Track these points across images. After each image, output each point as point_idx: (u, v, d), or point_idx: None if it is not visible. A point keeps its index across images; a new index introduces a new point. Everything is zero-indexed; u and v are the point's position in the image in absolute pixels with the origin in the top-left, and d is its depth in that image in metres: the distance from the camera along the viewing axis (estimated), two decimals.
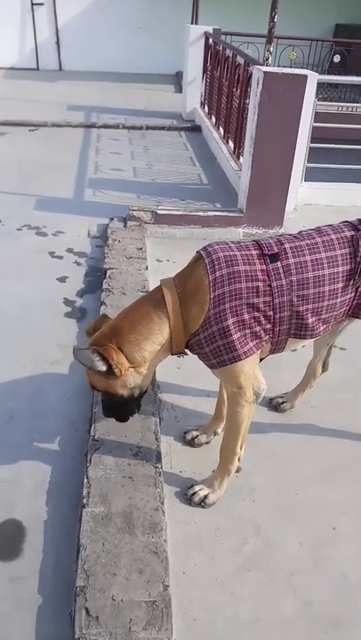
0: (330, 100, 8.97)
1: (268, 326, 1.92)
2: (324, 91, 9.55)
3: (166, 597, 1.77)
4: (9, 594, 1.87)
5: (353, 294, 2.00)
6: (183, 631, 1.76)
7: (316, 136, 5.00)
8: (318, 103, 5.40)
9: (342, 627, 1.80)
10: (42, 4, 11.34)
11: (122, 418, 2.18)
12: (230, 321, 1.86)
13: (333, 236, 1.98)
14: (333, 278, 1.94)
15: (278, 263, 1.90)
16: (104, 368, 1.91)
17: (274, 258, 1.90)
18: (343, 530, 2.12)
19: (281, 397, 2.71)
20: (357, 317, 2.11)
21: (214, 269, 1.87)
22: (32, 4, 11.31)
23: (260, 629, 1.78)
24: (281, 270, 1.90)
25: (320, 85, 9.22)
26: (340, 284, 1.95)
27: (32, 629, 1.78)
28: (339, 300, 1.97)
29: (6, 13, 11.22)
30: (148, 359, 1.96)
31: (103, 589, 1.78)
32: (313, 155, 5.08)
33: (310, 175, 5.18)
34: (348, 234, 1.99)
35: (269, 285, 1.88)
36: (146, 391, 2.11)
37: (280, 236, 2.02)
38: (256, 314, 1.88)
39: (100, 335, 2.00)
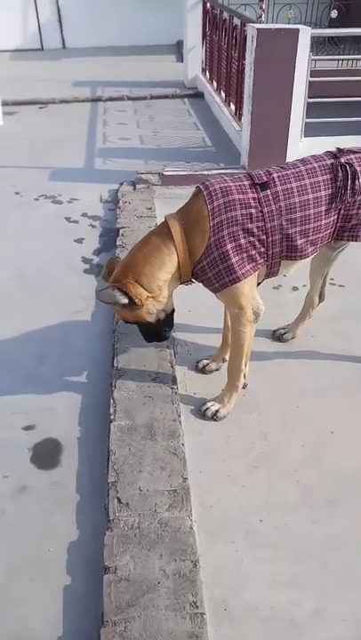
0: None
1: (263, 250, 2.17)
2: (325, 48, 9.58)
3: (185, 487, 2.08)
4: (51, 495, 2.20)
5: (336, 217, 2.25)
6: (201, 516, 2.06)
7: (318, 93, 5.13)
8: (317, 58, 5.53)
9: (337, 507, 2.09)
10: None
11: (160, 338, 2.45)
12: (229, 246, 2.12)
13: (315, 164, 2.22)
14: (317, 202, 2.18)
15: (268, 191, 2.14)
16: (126, 301, 2.17)
17: (264, 186, 2.15)
18: (339, 433, 2.41)
19: (283, 329, 2.97)
20: (342, 239, 2.36)
21: (212, 199, 2.12)
22: None
23: (268, 511, 2.08)
24: (270, 197, 2.14)
25: (321, 43, 9.32)
26: (324, 207, 2.20)
27: (73, 520, 2.10)
28: (323, 222, 2.22)
29: None
30: (164, 287, 2.22)
31: (131, 483, 2.09)
32: (316, 111, 5.22)
33: (312, 131, 5.33)
34: (328, 162, 2.23)
35: (261, 211, 2.13)
36: (173, 312, 2.38)
37: (269, 167, 2.26)
38: (251, 238, 2.14)
39: (116, 274, 2.25)
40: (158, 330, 2.38)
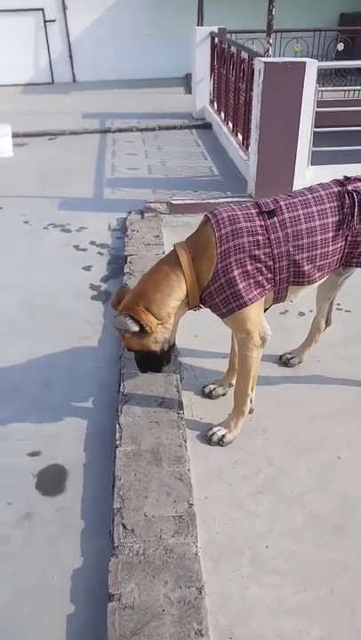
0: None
1: (270, 275, 2.20)
2: (332, 80, 9.75)
3: (191, 513, 2.06)
4: (56, 520, 2.19)
5: (343, 243, 2.27)
6: (207, 542, 2.04)
7: (325, 123, 5.22)
8: (324, 89, 5.63)
9: (344, 533, 2.06)
10: (54, 21, 11.81)
11: (157, 369, 2.48)
12: (236, 272, 2.14)
13: (323, 192, 2.26)
14: (324, 229, 2.21)
15: (275, 218, 2.18)
16: (137, 328, 2.21)
17: (271, 214, 2.19)
18: (346, 458, 2.39)
19: (290, 354, 2.98)
20: (350, 266, 2.38)
21: (220, 227, 2.16)
22: (44, 22, 11.79)
23: (274, 537, 2.05)
24: (278, 224, 2.18)
25: (328, 74, 9.50)
26: (331, 234, 2.23)
27: (78, 546, 2.09)
28: (331, 248, 2.24)
29: (21, 33, 11.74)
30: (172, 314, 2.26)
31: (137, 509, 2.08)
32: (323, 140, 5.31)
33: (319, 159, 5.40)
34: (335, 189, 2.27)
35: (268, 238, 2.16)
36: (173, 344, 2.42)
37: (276, 195, 2.30)
38: (258, 265, 2.16)
39: (127, 302, 2.29)
40: (159, 360, 2.42)
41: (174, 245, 2.29)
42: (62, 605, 1.88)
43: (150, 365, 2.46)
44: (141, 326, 2.20)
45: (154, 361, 2.41)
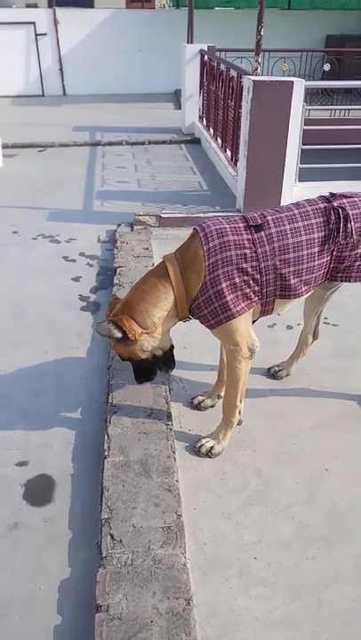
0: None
1: (257, 288, 2.23)
2: (319, 99, 9.93)
3: (180, 524, 2.06)
4: (44, 531, 2.17)
5: (329, 258, 2.31)
6: (195, 553, 2.04)
7: (312, 140, 5.32)
8: (311, 108, 5.73)
9: (332, 544, 2.08)
10: (45, 35, 11.88)
11: (150, 378, 2.49)
12: (224, 284, 2.17)
13: (309, 208, 2.30)
14: (310, 243, 2.25)
15: (262, 233, 2.22)
16: (120, 335, 2.24)
17: (258, 228, 2.23)
18: (334, 469, 2.41)
19: (278, 366, 3.00)
20: (336, 280, 2.41)
21: (208, 241, 2.19)
22: (36, 35, 11.85)
23: (263, 548, 2.06)
24: (265, 238, 2.21)
25: (315, 94, 9.68)
26: (317, 249, 2.26)
27: (65, 557, 2.07)
28: (317, 262, 2.28)
29: (12, 45, 11.77)
30: (159, 324, 2.28)
31: (125, 519, 2.07)
32: (311, 157, 5.40)
33: (307, 176, 5.49)
34: (321, 205, 2.31)
35: (255, 252, 2.19)
36: (169, 351, 2.43)
37: (263, 210, 2.33)
38: (245, 277, 2.19)
39: (115, 310, 2.33)
40: (151, 368, 2.44)
41: (163, 257, 2.32)
42: (49, 616, 1.87)
43: (144, 374, 2.47)
44: (125, 333, 2.23)
45: (147, 369, 2.44)
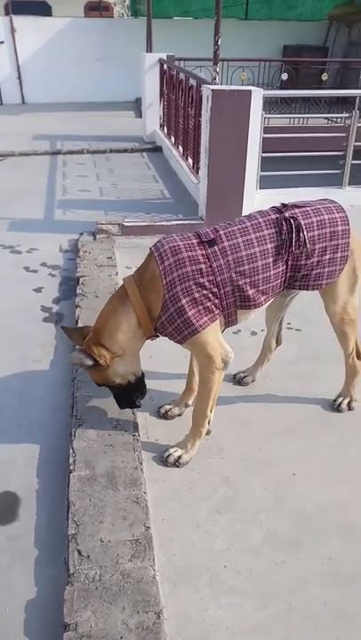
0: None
1: (217, 301, 2.24)
2: (278, 107, 10.09)
3: (148, 536, 2.04)
4: (8, 550, 2.11)
5: (284, 267, 2.33)
6: (164, 565, 2.01)
7: (272, 148, 5.39)
8: (270, 117, 5.82)
9: (301, 548, 2.08)
10: (2, 43, 11.76)
11: (131, 404, 2.53)
12: (184, 301, 2.19)
13: (261, 219, 2.32)
14: (264, 254, 2.27)
15: (215, 247, 2.24)
16: (90, 362, 2.31)
17: (211, 243, 2.25)
18: (301, 473, 2.42)
19: (243, 372, 3.01)
20: (293, 288, 2.45)
21: (163, 260, 2.21)
22: None
23: (232, 556, 2.04)
24: (218, 252, 2.24)
25: (274, 102, 9.83)
26: (271, 259, 2.29)
27: (31, 576, 2.02)
28: (272, 272, 2.31)
29: None
30: (126, 347, 2.33)
31: (92, 534, 2.03)
32: (271, 164, 5.47)
33: (268, 183, 5.56)
34: (273, 216, 2.34)
35: (210, 266, 2.21)
36: (142, 376, 2.48)
37: (216, 225, 2.35)
38: (204, 291, 2.21)
39: (87, 338, 2.37)
40: (129, 394, 2.48)
41: (123, 280, 2.36)
42: (16, 638, 1.81)
43: (125, 400, 2.51)
44: (95, 360, 2.28)
45: (126, 395, 2.48)
